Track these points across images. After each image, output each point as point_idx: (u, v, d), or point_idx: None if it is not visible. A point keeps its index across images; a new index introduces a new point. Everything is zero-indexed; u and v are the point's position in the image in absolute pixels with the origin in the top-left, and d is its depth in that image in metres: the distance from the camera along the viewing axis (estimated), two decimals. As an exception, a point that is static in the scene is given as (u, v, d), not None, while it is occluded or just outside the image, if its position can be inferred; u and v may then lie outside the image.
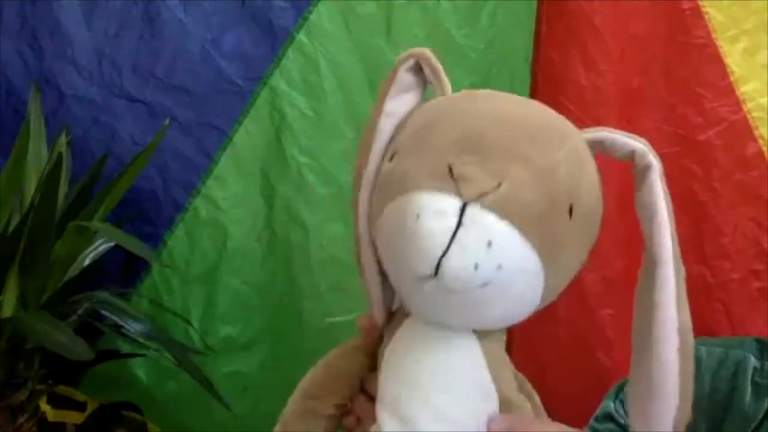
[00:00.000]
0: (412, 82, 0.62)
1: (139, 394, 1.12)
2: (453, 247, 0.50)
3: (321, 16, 1.06)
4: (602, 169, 0.57)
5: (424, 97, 0.61)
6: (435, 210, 0.51)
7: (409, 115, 0.60)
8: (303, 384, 0.64)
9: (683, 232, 1.05)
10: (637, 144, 0.56)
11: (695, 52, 0.98)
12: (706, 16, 0.97)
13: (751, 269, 0.97)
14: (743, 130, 0.97)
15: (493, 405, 0.57)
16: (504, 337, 0.59)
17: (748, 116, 0.97)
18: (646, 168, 0.55)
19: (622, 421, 0.79)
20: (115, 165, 1.02)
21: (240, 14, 1.08)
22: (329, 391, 0.63)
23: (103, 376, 1.08)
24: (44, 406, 1.03)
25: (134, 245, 0.93)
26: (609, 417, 0.80)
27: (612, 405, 0.80)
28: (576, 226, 0.55)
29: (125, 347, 1.05)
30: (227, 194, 1.09)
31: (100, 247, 1.01)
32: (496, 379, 0.57)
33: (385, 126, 0.60)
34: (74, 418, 1.08)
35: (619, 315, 1.02)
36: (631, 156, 0.56)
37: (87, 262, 1.00)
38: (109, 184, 0.97)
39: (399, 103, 0.61)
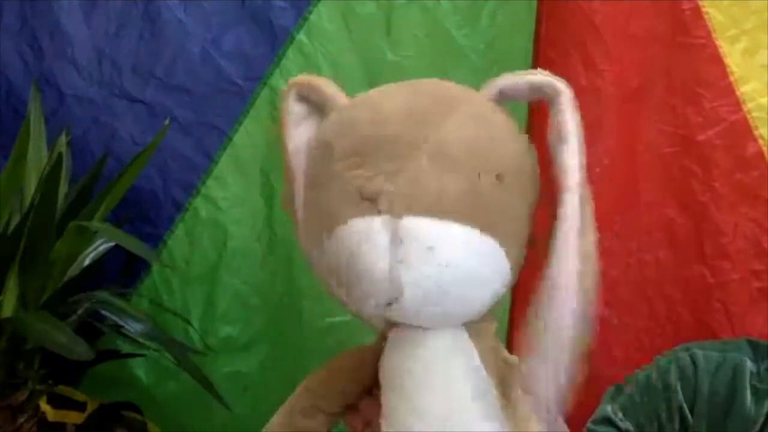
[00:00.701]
0: (305, 110, 0.61)
1: (139, 394, 1.12)
2: (398, 267, 0.50)
3: (321, 16, 1.06)
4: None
5: None
6: (363, 237, 0.51)
7: (310, 142, 0.60)
8: (309, 381, 0.63)
9: (683, 232, 1.05)
10: (539, 77, 0.55)
11: (695, 52, 0.98)
12: (706, 16, 0.97)
13: (751, 269, 0.97)
14: (743, 130, 0.97)
15: (488, 395, 0.56)
16: (494, 325, 0.59)
17: (748, 116, 0.97)
18: (555, 95, 0.54)
19: (620, 424, 0.79)
20: (115, 165, 1.02)
21: (240, 14, 1.08)
22: (336, 391, 0.63)
23: (103, 376, 1.08)
24: (44, 406, 1.03)
25: (134, 245, 0.93)
26: (607, 421, 0.80)
27: (609, 408, 0.80)
28: (510, 189, 0.53)
29: (125, 347, 1.05)
30: (227, 194, 1.09)
31: (100, 247, 1.01)
32: (489, 370, 0.56)
33: (297, 164, 0.60)
34: (74, 418, 1.08)
35: (619, 315, 1.03)
36: (540, 92, 0.54)
37: (87, 262, 1.00)
38: (109, 184, 0.97)
39: (300, 135, 0.61)
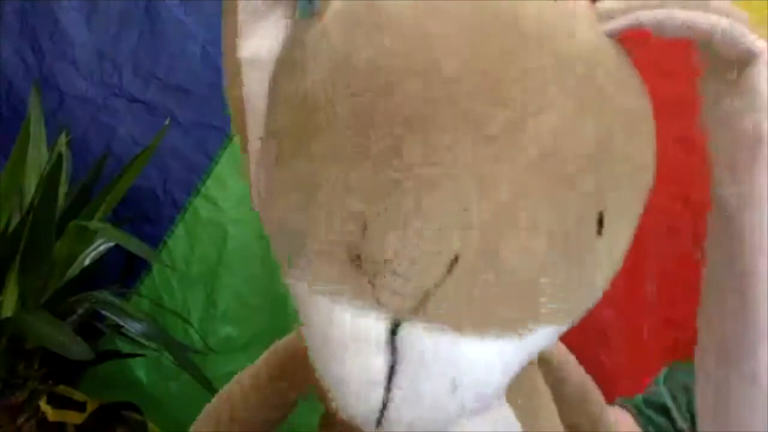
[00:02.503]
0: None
1: (139, 394, 1.11)
2: (395, 395, 0.29)
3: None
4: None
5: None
6: (344, 342, 0.30)
7: (284, 61, 0.34)
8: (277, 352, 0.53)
9: (683, 232, 1.05)
10: (721, 20, 0.32)
11: (695, 52, 0.98)
12: (707, 16, 0.97)
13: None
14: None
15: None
16: (539, 375, 0.46)
17: (749, 116, 0.97)
18: (747, 58, 0.32)
19: (675, 415, 0.75)
20: (115, 165, 1.02)
21: (240, 14, 1.08)
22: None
23: (103, 376, 1.08)
24: (44, 406, 1.03)
25: (134, 245, 0.93)
26: (663, 409, 0.76)
27: (663, 391, 0.76)
28: (611, 235, 0.33)
29: (125, 347, 1.05)
30: (227, 194, 1.09)
31: (100, 247, 1.01)
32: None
33: (252, 83, 0.36)
34: (74, 418, 1.08)
35: (619, 315, 1.02)
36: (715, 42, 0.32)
37: (87, 262, 1.00)
38: (109, 184, 0.97)
39: (260, 39, 0.35)
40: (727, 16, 0.32)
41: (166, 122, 1.03)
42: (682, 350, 0.95)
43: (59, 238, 0.91)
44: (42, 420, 1.01)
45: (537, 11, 0.31)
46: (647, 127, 0.35)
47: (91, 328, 0.96)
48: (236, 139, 1.07)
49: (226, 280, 1.10)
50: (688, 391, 0.75)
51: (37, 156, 0.98)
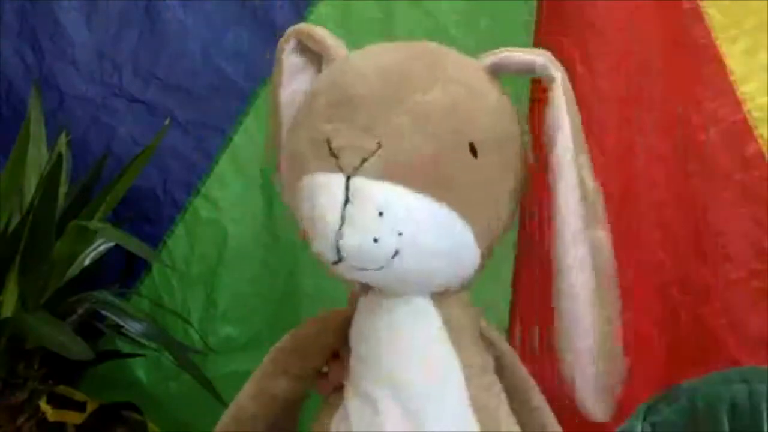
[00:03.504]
0: (301, 62, 0.61)
1: (139, 394, 1.11)
2: (345, 227, 0.48)
3: (321, 16, 1.06)
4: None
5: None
6: (321, 192, 0.50)
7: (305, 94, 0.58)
8: (277, 346, 0.65)
9: (683, 232, 1.05)
10: (537, 58, 0.54)
11: (695, 52, 0.98)
12: (706, 16, 0.97)
13: (751, 269, 0.97)
14: (743, 130, 0.97)
15: (454, 370, 0.56)
16: (467, 296, 0.58)
17: (748, 116, 0.97)
18: (549, 82, 0.54)
19: None
20: (115, 165, 1.02)
21: (240, 14, 1.08)
22: (301, 354, 0.63)
23: (103, 376, 1.08)
24: (44, 406, 1.03)
25: (134, 245, 0.93)
26: None
27: (640, 427, 0.74)
28: (486, 162, 0.52)
29: (125, 347, 1.05)
30: (227, 194, 1.09)
31: (100, 247, 1.01)
32: (455, 342, 0.56)
33: (287, 115, 0.59)
34: (74, 418, 1.08)
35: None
36: (535, 73, 0.55)
37: (87, 262, 1.00)
38: (109, 184, 0.97)
39: (294, 87, 0.60)
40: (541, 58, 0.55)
41: (166, 122, 1.03)
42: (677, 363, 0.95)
43: (59, 238, 0.91)
44: (42, 420, 1.01)
45: (430, 76, 0.53)
46: (500, 107, 0.55)
47: (91, 328, 0.96)
48: (236, 139, 1.08)
49: (226, 280, 1.10)
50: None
51: (37, 156, 0.98)
